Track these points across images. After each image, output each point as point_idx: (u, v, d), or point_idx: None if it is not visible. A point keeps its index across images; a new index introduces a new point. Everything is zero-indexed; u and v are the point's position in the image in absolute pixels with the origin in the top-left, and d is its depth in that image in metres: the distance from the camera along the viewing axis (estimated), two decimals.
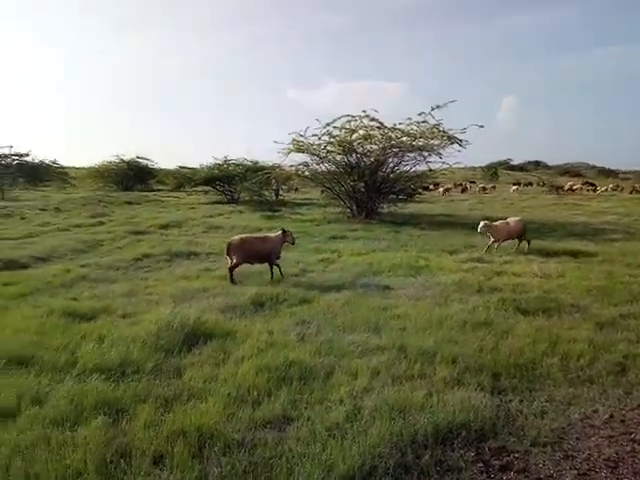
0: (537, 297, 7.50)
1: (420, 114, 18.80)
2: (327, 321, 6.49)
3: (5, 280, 8.89)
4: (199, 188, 33.38)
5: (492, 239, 12.12)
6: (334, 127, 19.29)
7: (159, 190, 40.14)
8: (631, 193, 38.86)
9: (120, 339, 5.62)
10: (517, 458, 3.58)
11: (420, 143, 19.34)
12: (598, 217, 20.75)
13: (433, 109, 18.50)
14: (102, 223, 18.45)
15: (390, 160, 20.30)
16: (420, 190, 31.09)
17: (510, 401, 4.41)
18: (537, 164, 78.30)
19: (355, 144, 19.65)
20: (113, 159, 41.27)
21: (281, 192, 32.68)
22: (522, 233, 12.47)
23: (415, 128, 19.21)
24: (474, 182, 50.19)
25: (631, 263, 10.39)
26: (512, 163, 71.19)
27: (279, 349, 5.39)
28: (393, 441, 3.65)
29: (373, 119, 19.00)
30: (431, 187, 39.98)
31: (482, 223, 11.95)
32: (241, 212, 23.07)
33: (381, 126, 19.19)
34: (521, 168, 74.39)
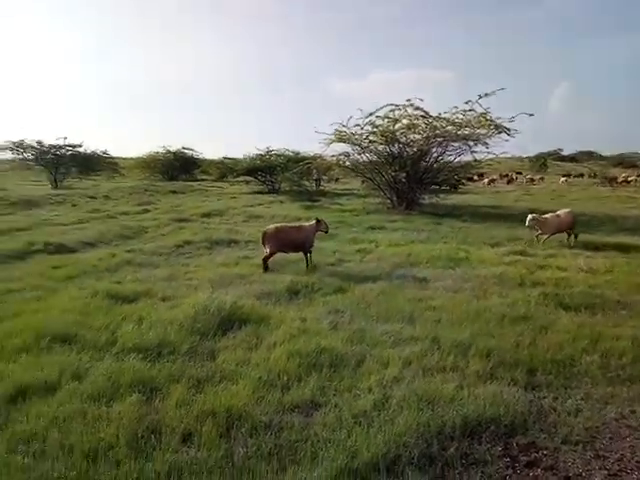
0: (581, 292, 7.22)
1: (467, 102, 18.36)
2: (361, 310, 6.48)
3: (55, 263, 9.34)
4: (241, 178, 33.91)
5: (541, 232, 11.75)
6: (377, 117, 19.13)
7: (203, 180, 41.03)
8: None
9: (159, 321, 5.81)
10: (546, 455, 3.48)
11: (466, 132, 18.89)
12: None
13: (480, 97, 17.99)
14: (147, 211, 19.08)
15: (434, 150, 19.98)
16: (464, 181, 30.46)
17: (544, 397, 4.28)
18: (590, 154, 74.80)
19: (398, 134, 19.40)
20: (160, 150, 42.50)
21: (322, 182, 32.73)
22: (572, 226, 12.05)
23: (461, 117, 18.78)
24: (520, 173, 48.58)
25: None
26: (563, 153, 68.35)
27: (311, 336, 5.43)
28: (419, 431, 3.62)
29: (417, 108, 18.67)
30: (475, 178, 39.01)
31: (530, 216, 11.60)
32: (281, 202, 23.27)
33: (425, 115, 18.83)
34: (572, 159, 71.38)
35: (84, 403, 3.98)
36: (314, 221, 9.63)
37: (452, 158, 20.62)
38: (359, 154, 20.84)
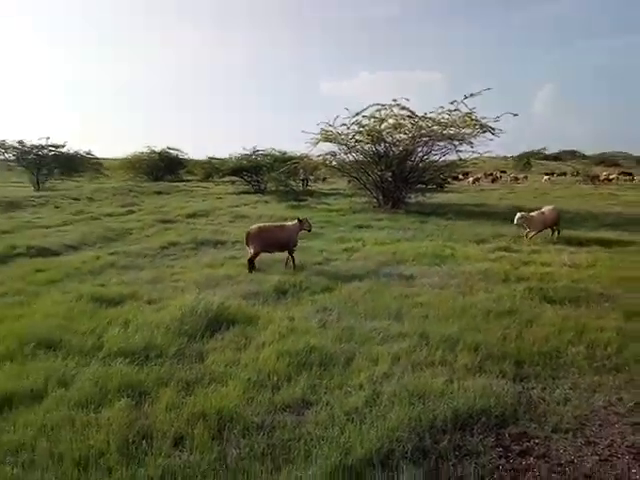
0: (565, 286, 7.34)
1: (452, 102, 18.51)
2: (349, 309, 6.48)
3: (38, 267, 9.17)
4: (227, 178, 33.74)
5: (529, 230, 11.90)
6: (363, 116, 19.17)
7: (188, 180, 40.73)
8: None
9: (145, 324, 5.74)
10: (537, 444, 3.53)
11: (451, 132, 19.04)
12: (634, 207, 20.05)
13: (466, 97, 18.13)
14: (132, 212, 18.86)
15: (419, 149, 20.08)
16: (449, 180, 30.69)
17: (532, 388, 4.34)
18: (573, 154, 75.81)
19: (384, 133, 19.48)
20: (144, 150, 42.08)
21: (309, 182, 32.71)
22: (557, 222, 12.31)
23: (446, 117, 18.91)
24: (504, 172, 49.06)
25: None
26: (546, 152, 69.07)
27: (300, 335, 5.41)
28: (411, 426, 3.64)
29: (403, 108, 18.77)
30: (460, 177, 39.32)
31: (519, 214, 11.77)
32: (267, 202, 23.20)
33: (411, 115, 18.94)
34: (555, 157, 72.22)
35: (72, 410, 3.90)
36: (296, 220, 9.62)
37: (437, 157, 20.78)
38: (345, 154, 20.87)
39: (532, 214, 11.95)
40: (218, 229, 14.36)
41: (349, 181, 25.35)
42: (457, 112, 18.60)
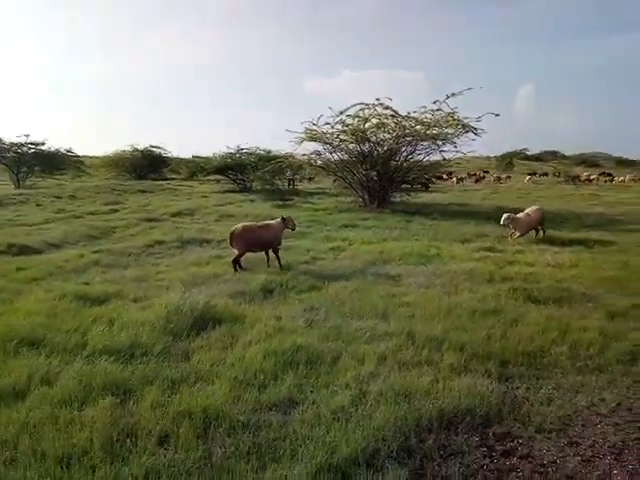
0: (548, 286, 7.42)
1: (435, 102, 18.64)
2: (335, 308, 6.49)
3: (19, 265, 9.03)
4: (212, 177, 33.53)
5: (515, 231, 12.01)
6: (347, 115, 19.21)
7: (172, 179, 40.36)
8: None
9: (130, 322, 5.68)
10: (521, 444, 3.57)
11: (434, 132, 19.15)
12: (615, 208, 20.39)
13: (448, 97, 18.30)
14: (115, 211, 18.65)
15: (403, 149, 20.18)
16: (433, 180, 30.89)
17: (517, 388, 4.39)
18: (554, 154, 76.83)
19: (368, 133, 19.54)
20: (127, 148, 41.61)
21: (296, 182, 32.67)
22: (541, 222, 12.45)
23: (429, 116, 19.04)
24: (488, 172, 49.54)
25: None
26: (528, 153, 69.89)
27: (287, 334, 5.41)
28: (397, 425, 3.65)
29: (387, 107, 18.85)
30: (444, 177, 39.60)
31: (505, 215, 11.89)
32: (252, 201, 23.11)
33: (395, 114, 19.03)
34: (537, 158, 73.05)
35: (55, 408, 3.85)
36: (280, 219, 9.60)
37: (421, 157, 20.92)
38: (330, 153, 20.89)
39: (518, 216, 12.07)
40: (204, 228, 14.28)
41: (334, 180, 25.40)
42: (440, 112, 18.79)
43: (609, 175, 44.02)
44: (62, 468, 3.17)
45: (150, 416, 3.76)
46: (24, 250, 10.59)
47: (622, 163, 68.95)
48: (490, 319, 5.99)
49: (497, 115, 18.71)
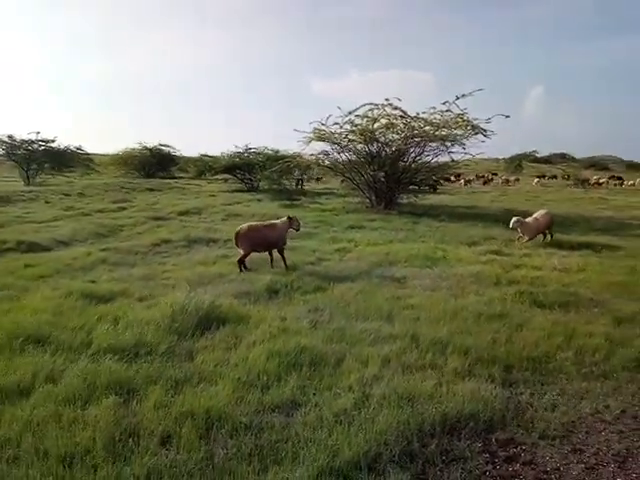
0: (555, 291, 7.37)
1: (444, 103, 18.54)
2: (340, 309, 6.48)
3: (27, 262, 9.11)
4: (220, 176, 33.63)
5: (524, 235, 11.93)
6: (356, 116, 19.17)
7: (180, 177, 40.59)
8: None
9: (135, 321, 5.70)
10: (524, 450, 3.54)
11: (443, 133, 19.06)
12: (625, 212, 20.24)
13: (458, 98, 18.16)
14: (123, 209, 18.76)
15: (412, 150, 20.10)
16: (441, 181, 30.79)
17: (521, 394, 4.35)
18: (563, 156, 76.31)
19: (377, 133, 19.48)
20: (136, 146, 41.83)
21: (304, 182, 32.69)
22: (550, 226, 12.36)
23: (438, 117, 18.95)
24: (496, 174, 49.30)
25: None
26: (537, 155, 69.44)
27: (291, 335, 5.41)
28: (400, 429, 3.64)
29: (396, 108, 18.77)
30: (452, 178, 39.46)
31: (514, 219, 11.82)
32: (260, 200, 23.14)
33: (404, 115, 18.95)
34: (546, 160, 72.59)
35: (59, 406, 3.87)
36: (286, 218, 9.59)
37: (430, 158, 20.83)
38: (338, 153, 20.87)
39: (527, 220, 11.99)
40: (211, 227, 14.33)
41: (342, 181, 25.37)
42: (449, 113, 18.68)
43: (619, 179, 43.62)
44: (64, 467, 3.18)
45: (153, 416, 3.77)
46: (33, 247, 10.68)
47: (632, 167, 68.28)
48: (495, 323, 5.96)
49: (507, 117, 18.69)
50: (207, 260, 9.73)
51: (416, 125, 19.15)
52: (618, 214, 19.28)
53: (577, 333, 5.60)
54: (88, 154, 40.36)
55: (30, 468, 3.16)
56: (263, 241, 9.18)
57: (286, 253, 9.35)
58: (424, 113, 19.09)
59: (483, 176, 44.85)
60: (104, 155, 45.28)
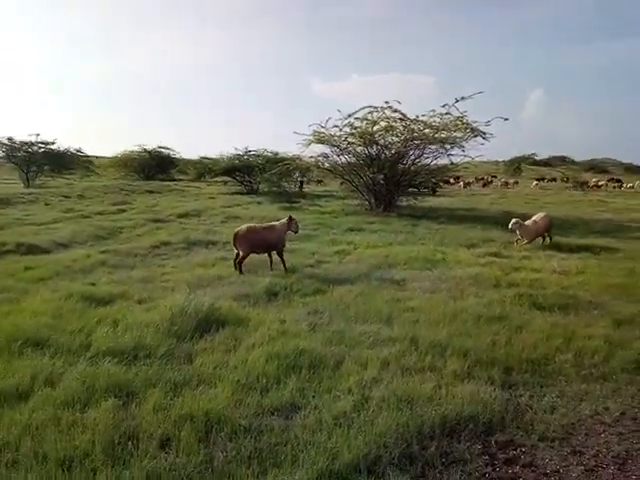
0: (554, 293, 7.37)
1: (443, 106, 18.59)
2: (339, 312, 6.48)
3: (27, 264, 9.10)
4: (219, 178, 33.65)
5: (522, 238, 11.93)
6: (355, 118, 19.21)
7: (180, 180, 40.57)
8: None
9: (134, 324, 5.69)
10: (524, 452, 3.54)
11: (443, 135, 19.10)
12: (624, 214, 20.25)
13: (457, 100, 18.26)
14: (123, 211, 18.77)
15: (411, 152, 20.14)
16: (441, 184, 30.83)
17: (520, 396, 4.36)
18: (563, 159, 76.42)
19: (376, 136, 19.51)
20: (136, 149, 41.86)
21: (304, 184, 32.71)
22: (548, 229, 12.36)
23: (438, 120, 19.00)
24: (495, 176, 49.37)
25: None
26: (537, 158, 69.57)
27: (290, 338, 5.40)
28: (399, 432, 3.63)
29: (395, 110, 18.84)
30: (452, 181, 39.51)
31: (514, 220, 11.84)
32: (259, 203, 23.16)
33: (403, 118, 19.01)
34: (546, 163, 72.69)
35: (58, 409, 3.86)
36: (285, 219, 9.59)
37: (429, 161, 20.88)
38: (338, 155, 20.90)
39: (526, 223, 12.00)
40: (210, 229, 14.33)
41: (341, 183, 25.39)
42: (448, 116, 18.73)
43: (618, 181, 43.71)
44: (63, 471, 3.18)
45: (152, 419, 3.76)
46: (32, 249, 10.67)
47: (631, 169, 68.46)
48: (495, 325, 5.96)
49: (506, 119, 18.69)
50: (206, 262, 9.73)
51: (415, 128, 19.20)
52: (617, 217, 19.30)
53: (576, 335, 5.60)
54: (88, 156, 40.44)
55: (29, 472, 3.15)
56: (262, 243, 9.17)
57: (285, 255, 9.35)
58: (424, 116, 19.17)
59: (482, 179, 44.92)
60: (104, 157, 45.31)
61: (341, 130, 19.63)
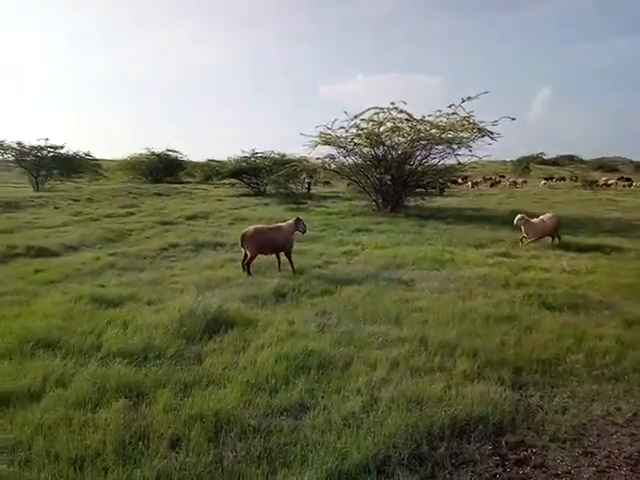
0: (564, 293, 7.32)
1: (450, 106, 18.55)
2: (348, 312, 6.48)
3: (37, 267, 9.18)
4: (227, 181, 33.79)
5: (527, 236, 11.86)
6: (362, 119, 19.21)
7: (188, 182, 40.77)
8: None
9: (144, 325, 5.73)
10: (535, 453, 3.52)
11: (449, 135, 19.05)
12: (633, 213, 20.07)
13: (464, 101, 18.23)
14: (131, 214, 18.88)
15: (418, 153, 20.10)
16: (448, 184, 30.77)
17: (531, 396, 4.33)
18: (571, 158, 75.88)
19: (383, 137, 19.50)
20: (144, 152, 42.13)
21: (311, 185, 32.77)
22: (556, 229, 12.25)
23: (444, 120, 18.96)
24: (503, 176, 49.11)
25: None
26: (545, 157, 69.15)
27: (299, 338, 5.40)
28: (409, 432, 3.62)
29: (401, 111, 18.82)
30: (459, 181, 39.38)
31: (519, 216, 11.77)
32: (267, 205, 23.21)
33: (410, 118, 18.98)
34: (554, 162, 72.21)
35: (69, 410, 3.89)
36: (293, 220, 9.60)
37: (436, 161, 20.83)
38: (344, 157, 20.92)
39: (533, 220, 11.92)
40: (218, 231, 14.37)
41: (348, 184, 25.40)
42: (455, 116, 18.70)
43: (628, 180, 43.28)
44: (75, 470, 3.21)
45: (162, 419, 3.78)
46: (42, 252, 10.76)
47: None
48: (504, 325, 5.93)
49: (513, 119, 18.60)
50: (214, 264, 9.77)
51: (422, 128, 19.16)
52: (627, 215, 19.13)
53: (587, 335, 5.56)
54: (96, 160, 40.74)
55: (41, 471, 3.18)
56: (269, 243, 9.19)
57: (293, 256, 9.35)
58: (430, 116, 19.14)
59: (490, 178, 44.69)
60: (112, 160, 45.61)
61: (347, 131, 19.66)
